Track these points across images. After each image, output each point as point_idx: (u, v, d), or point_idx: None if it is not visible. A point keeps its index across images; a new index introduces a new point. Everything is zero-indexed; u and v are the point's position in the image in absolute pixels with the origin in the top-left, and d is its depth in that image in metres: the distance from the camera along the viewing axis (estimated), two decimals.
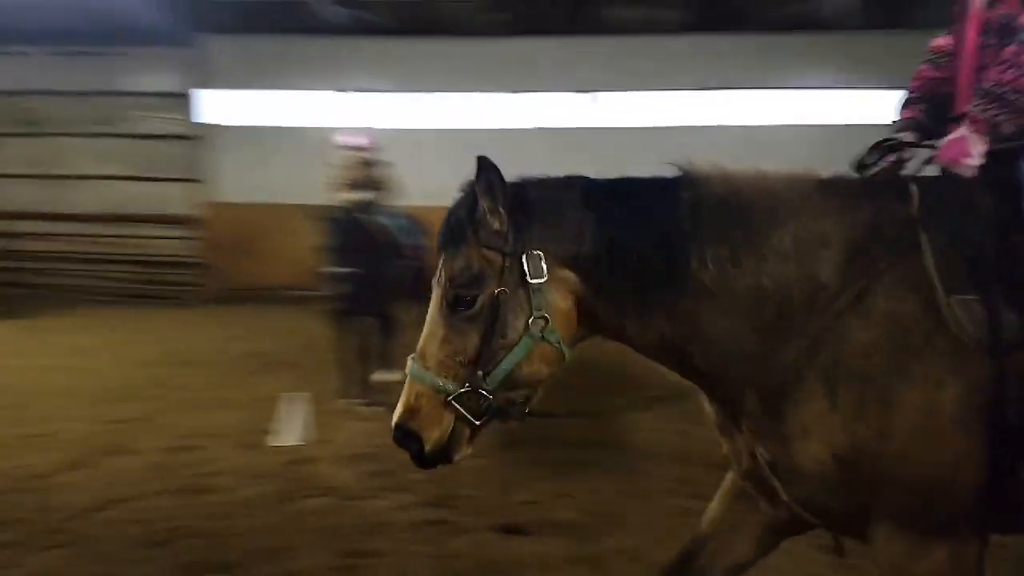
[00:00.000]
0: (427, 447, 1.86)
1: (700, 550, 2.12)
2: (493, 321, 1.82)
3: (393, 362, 5.86)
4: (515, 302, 1.83)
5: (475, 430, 1.89)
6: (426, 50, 12.66)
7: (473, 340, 1.84)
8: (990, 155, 1.88)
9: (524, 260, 1.83)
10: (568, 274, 1.87)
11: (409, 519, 3.93)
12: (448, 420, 1.85)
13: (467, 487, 4.25)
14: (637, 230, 1.88)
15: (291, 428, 5.16)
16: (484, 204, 1.84)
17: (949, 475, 1.70)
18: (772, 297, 1.80)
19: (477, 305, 1.84)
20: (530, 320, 1.82)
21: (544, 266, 1.83)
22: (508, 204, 1.86)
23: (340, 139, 6.66)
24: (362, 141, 6.57)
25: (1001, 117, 1.87)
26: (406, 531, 3.78)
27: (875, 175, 2.05)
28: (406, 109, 12.86)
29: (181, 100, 13.38)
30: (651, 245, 1.86)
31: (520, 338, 1.83)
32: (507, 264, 1.84)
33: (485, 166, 1.83)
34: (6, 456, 4.78)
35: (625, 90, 12.47)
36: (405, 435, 1.87)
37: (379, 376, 5.95)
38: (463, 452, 1.92)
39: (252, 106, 13.25)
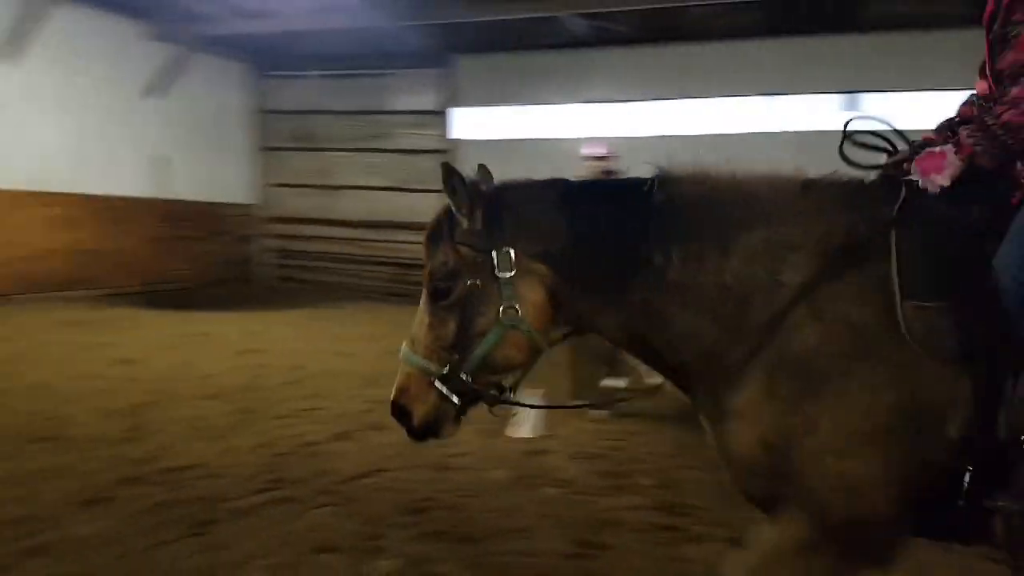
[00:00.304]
0: (415, 422, 2.08)
1: None
2: (467, 311, 2.00)
3: (622, 369, 5.93)
4: (487, 294, 1.99)
5: (458, 409, 2.07)
6: (669, 56, 12.59)
7: (451, 328, 2.02)
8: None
9: (495, 255, 1.97)
10: (541, 268, 2.00)
11: (639, 520, 3.93)
12: (433, 399, 2.05)
13: (697, 498, 4.17)
14: (607, 227, 1.98)
15: (527, 422, 5.39)
16: (453, 206, 2.02)
17: (870, 479, 1.70)
18: (734, 295, 1.85)
19: (453, 296, 2.02)
20: (501, 310, 1.96)
21: (513, 260, 1.97)
22: (483, 205, 2.02)
23: (582, 150, 6.84)
24: (603, 151, 6.70)
25: (981, 149, 1.81)
26: (637, 531, 3.79)
27: (880, 175, 2.01)
28: (650, 117, 12.85)
29: (438, 117, 14.56)
30: (618, 241, 1.96)
31: (492, 326, 1.98)
32: (479, 259, 1.99)
33: (447, 172, 2.01)
34: (288, 425, 5.52)
35: (888, 90, 11.45)
36: (399, 411, 2.10)
37: (608, 382, 6.03)
38: (450, 429, 2.12)
39: (498, 121, 14.05)
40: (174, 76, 13.61)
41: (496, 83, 13.82)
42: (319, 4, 11.73)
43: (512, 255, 1.98)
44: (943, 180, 1.83)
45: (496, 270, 1.98)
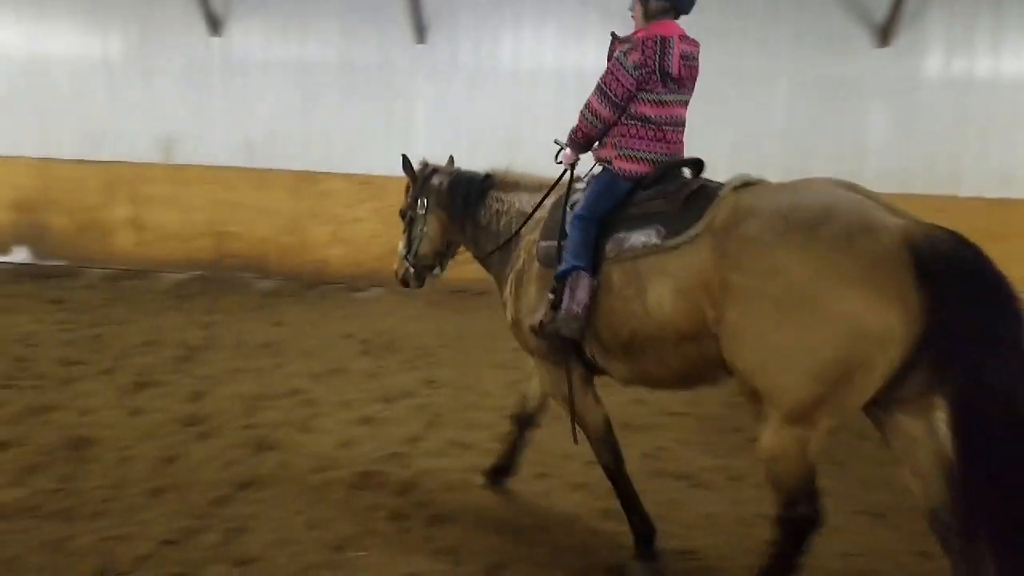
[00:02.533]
0: (398, 278, 4.13)
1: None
2: (412, 229, 4.06)
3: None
4: (418, 220, 4.03)
5: (415, 275, 4.07)
6: None
7: (406, 235, 4.09)
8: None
9: (419, 203, 4.01)
10: (440, 211, 3.97)
11: None
12: (404, 266, 4.08)
13: None
14: (464, 193, 3.86)
15: None
16: (408, 177, 4.13)
17: (526, 329, 3.27)
18: (503, 230, 3.68)
19: (406, 221, 4.10)
20: (420, 228, 4.02)
21: (427, 205, 3.97)
22: (420, 178, 4.07)
23: None
24: None
25: (567, 143, 3.36)
26: None
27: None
28: None
29: None
30: (465, 200, 3.85)
31: (418, 235, 4.03)
32: (415, 205, 4.03)
33: (403, 161, 4.12)
34: None
35: None
36: (395, 274, 4.16)
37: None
38: (413, 284, 4.11)
39: None
40: None
41: None
42: None
43: (426, 204, 4.00)
44: (565, 163, 3.38)
45: (419, 210, 4.02)
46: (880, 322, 2.20)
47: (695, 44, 3.07)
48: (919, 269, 2.19)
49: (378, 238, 9.11)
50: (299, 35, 9.73)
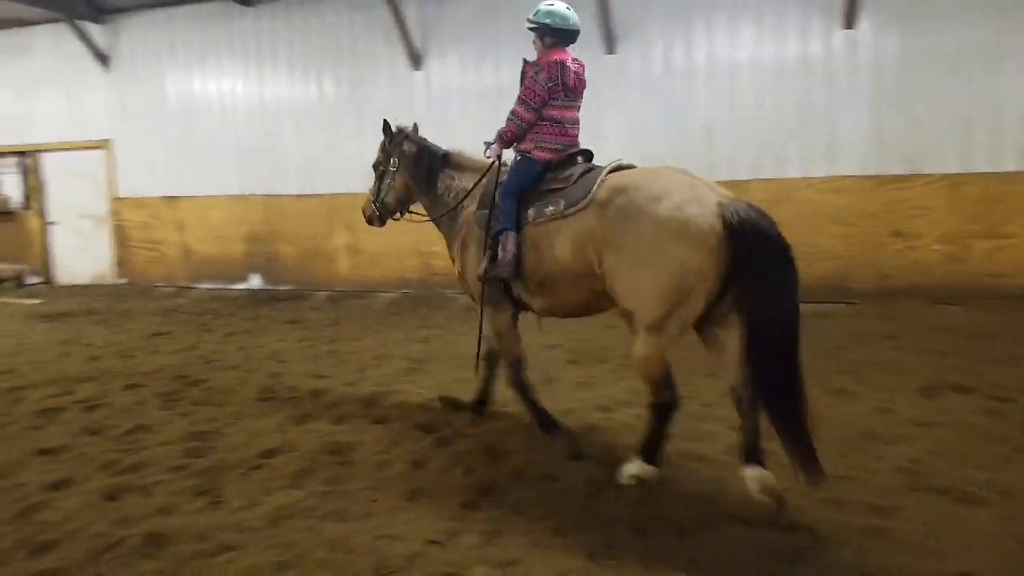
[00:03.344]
0: (365, 219, 5.28)
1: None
2: (382, 179, 5.13)
3: None
4: (387, 175, 5.10)
5: (380, 217, 5.25)
6: None
7: (376, 184, 5.15)
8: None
9: (391, 160, 5.05)
10: (405, 173, 5.02)
11: None
12: (372, 209, 5.21)
13: None
14: (427, 165, 4.93)
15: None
16: (385, 137, 5.11)
17: (476, 287, 4.46)
18: (451, 200, 4.81)
19: (378, 172, 5.15)
20: (388, 181, 5.09)
21: (397, 165, 5.02)
22: (393, 140, 5.07)
23: None
24: None
25: (494, 140, 4.53)
26: None
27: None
28: None
29: None
30: (429, 171, 4.93)
31: (386, 187, 5.12)
32: (388, 160, 5.08)
33: (384, 124, 5.10)
34: None
35: None
36: (363, 214, 5.29)
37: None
38: (377, 224, 5.28)
39: None
40: None
41: None
42: None
43: (396, 163, 5.04)
44: (490, 155, 4.56)
45: (391, 167, 5.06)
46: (699, 263, 3.36)
47: (582, 65, 4.36)
48: (726, 230, 3.32)
49: None
50: (493, 62, 10.15)
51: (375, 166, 5.19)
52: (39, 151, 13.14)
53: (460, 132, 10.23)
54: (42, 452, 4.47)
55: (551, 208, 3.99)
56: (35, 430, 4.91)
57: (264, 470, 4.15)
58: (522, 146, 4.29)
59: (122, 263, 12.73)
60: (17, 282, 12.82)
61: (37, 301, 11.20)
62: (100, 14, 12.14)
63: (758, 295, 3.29)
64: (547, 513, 3.54)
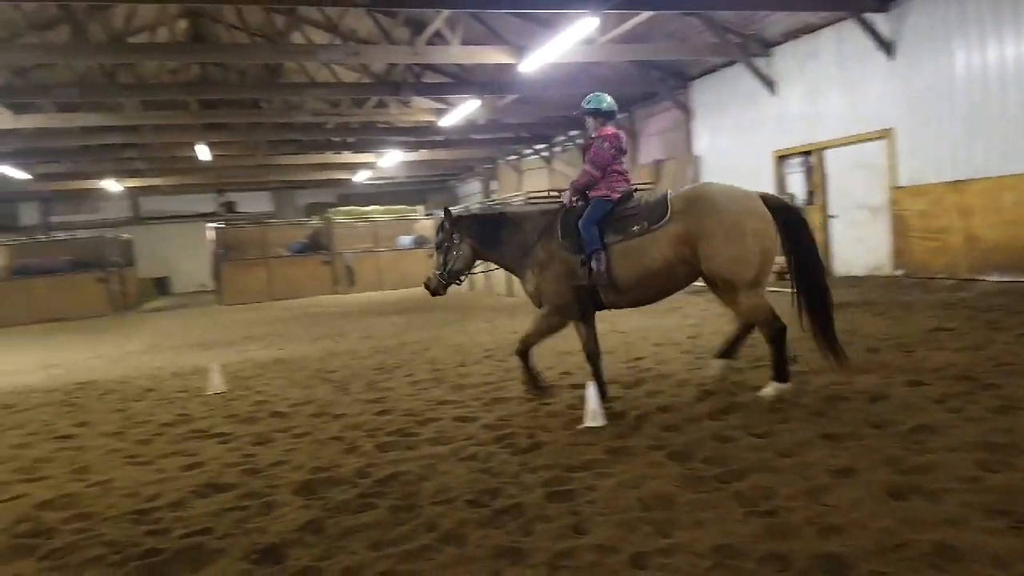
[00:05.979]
0: (430, 288, 6.56)
1: None
2: (446, 253, 6.52)
3: None
4: (452, 248, 6.48)
5: (444, 286, 6.52)
6: None
7: (441, 258, 6.54)
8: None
9: (453, 236, 6.48)
10: (471, 241, 6.47)
11: None
12: (437, 280, 6.49)
13: None
14: (493, 225, 6.51)
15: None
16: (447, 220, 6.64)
17: (564, 296, 6.03)
18: (523, 246, 6.29)
19: (442, 248, 6.55)
20: (454, 252, 6.48)
21: (459, 238, 6.44)
22: (451, 220, 6.52)
23: None
24: None
25: (568, 191, 6.18)
26: None
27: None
28: None
29: None
30: (495, 229, 6.51)
31: (452, 258, 6.49)
32: (451, 237, 6.50)
33: (444, 210, 6.69)
34: None
35: None
36: (425, 285, 6.62)
37: None
38: (441, 292, 6.53)
39: None
40: None
41: None
42: None
43: (461, 236, 6.45)
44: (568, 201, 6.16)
45: (455, 240, 6.47)
46: (771, 233, 5.50)
47: (625, 135, 6.18)
48: (772, 212, 5.54)
49: None
50: None
51: (437, 245, 6.54)
52: (823, 148, 14.04)
53: None
54: (826, 437, 4.61)
55: (636, 227, 5.72)
56: (819, 416, 5.11)
57: None
58: (599, 192, 5.95)
59: (899, 253, 12.53)
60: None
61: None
62: (885, 2, 12.12)
63: (797, 245, 5.61)
64: None
